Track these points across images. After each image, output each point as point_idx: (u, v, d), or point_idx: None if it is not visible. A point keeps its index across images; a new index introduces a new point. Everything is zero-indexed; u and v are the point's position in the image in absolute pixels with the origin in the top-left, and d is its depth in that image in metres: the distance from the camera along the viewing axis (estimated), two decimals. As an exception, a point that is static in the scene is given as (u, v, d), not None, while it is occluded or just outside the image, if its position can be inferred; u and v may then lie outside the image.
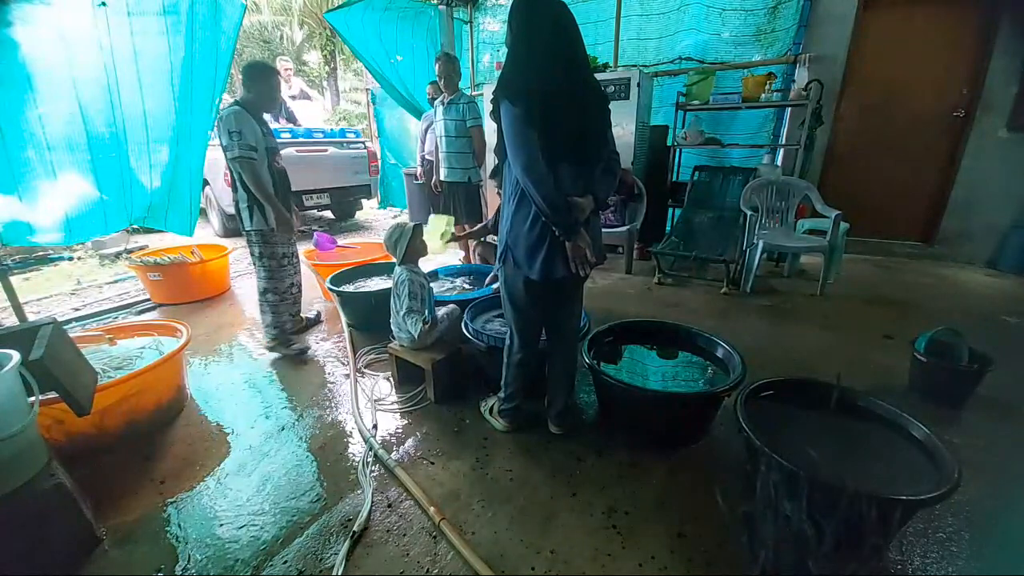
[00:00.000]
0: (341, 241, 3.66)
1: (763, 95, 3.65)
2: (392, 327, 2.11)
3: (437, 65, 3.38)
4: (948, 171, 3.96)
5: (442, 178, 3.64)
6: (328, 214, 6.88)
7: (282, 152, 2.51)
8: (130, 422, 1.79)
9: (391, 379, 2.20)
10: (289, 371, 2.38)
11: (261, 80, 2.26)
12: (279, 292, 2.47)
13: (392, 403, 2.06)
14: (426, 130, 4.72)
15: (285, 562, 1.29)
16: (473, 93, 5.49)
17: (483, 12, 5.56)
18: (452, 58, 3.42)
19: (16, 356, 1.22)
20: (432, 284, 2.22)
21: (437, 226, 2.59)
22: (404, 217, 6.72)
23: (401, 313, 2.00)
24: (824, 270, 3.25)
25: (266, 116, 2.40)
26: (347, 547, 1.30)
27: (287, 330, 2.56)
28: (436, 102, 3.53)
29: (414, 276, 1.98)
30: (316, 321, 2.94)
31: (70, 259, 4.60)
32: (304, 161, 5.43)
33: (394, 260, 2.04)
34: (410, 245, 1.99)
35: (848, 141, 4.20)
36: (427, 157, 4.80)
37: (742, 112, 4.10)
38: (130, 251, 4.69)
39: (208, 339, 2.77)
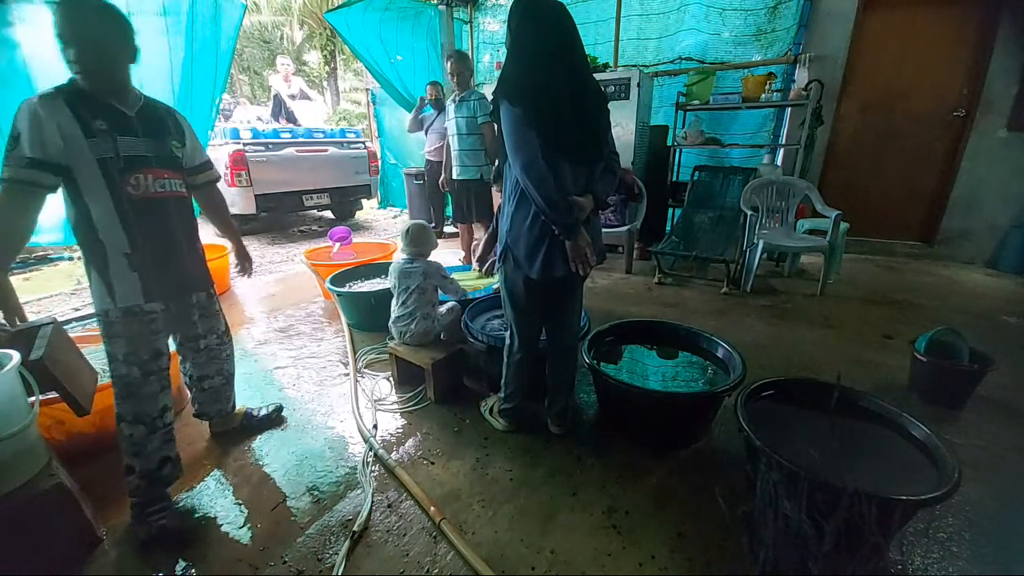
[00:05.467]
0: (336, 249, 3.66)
1: (763, 95, 3.65)
2: (390, 326, 2.11)
3: (449, 64, 3.35)
4: (948, 171, 3.96)
5: (454, 176, 3.56)
6: (328, 214, 6.89)
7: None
8: (130, 422, 1.78)
9: (391, 379, 2.20)
10: (289, 372, 2.37)
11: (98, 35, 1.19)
12: (143, 420, 1.37)
13: (392, 403, 2.06)
14: (426, 131, 4.73)
15: (285, 562, 1.29)
16: (474, 92, 5.49)
17: (483, 12, 5.57)
18: (463, 55, 3.39)
19: (16, 356, 1.21)
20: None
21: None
22: (404, 217, 6.75)
23: (412, 306, 2.03)
24: (824, 270, 3.25)
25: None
26: (347, 547, 1.30)
27: (159, 481, 1.42)
28: (448, 100, 3.48)
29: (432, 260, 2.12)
30: (269, 420, 1.88)
31: (70, 259, 4.59)
32: (304, 161, 5.44)
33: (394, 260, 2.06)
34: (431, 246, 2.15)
35: (848, 141, 4.20)
36: (427, 157, 4.81)
37: (742, 112, 4.10)
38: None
39: (208, 339, 2.76)
